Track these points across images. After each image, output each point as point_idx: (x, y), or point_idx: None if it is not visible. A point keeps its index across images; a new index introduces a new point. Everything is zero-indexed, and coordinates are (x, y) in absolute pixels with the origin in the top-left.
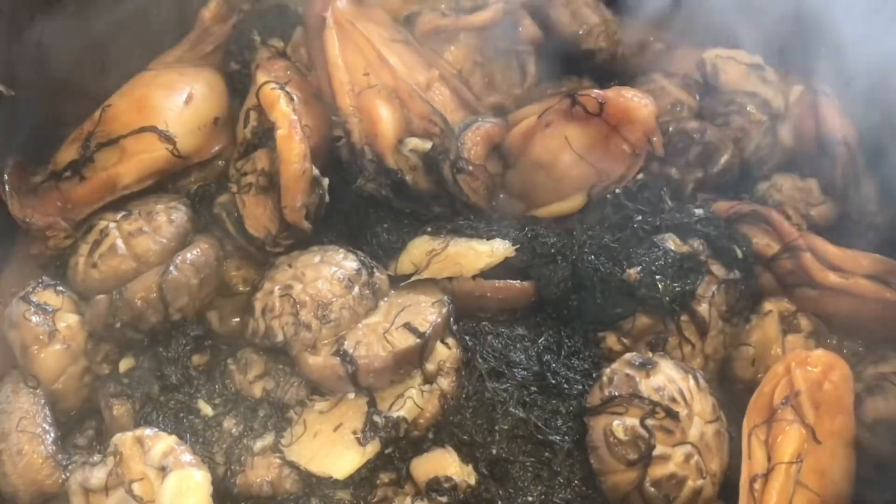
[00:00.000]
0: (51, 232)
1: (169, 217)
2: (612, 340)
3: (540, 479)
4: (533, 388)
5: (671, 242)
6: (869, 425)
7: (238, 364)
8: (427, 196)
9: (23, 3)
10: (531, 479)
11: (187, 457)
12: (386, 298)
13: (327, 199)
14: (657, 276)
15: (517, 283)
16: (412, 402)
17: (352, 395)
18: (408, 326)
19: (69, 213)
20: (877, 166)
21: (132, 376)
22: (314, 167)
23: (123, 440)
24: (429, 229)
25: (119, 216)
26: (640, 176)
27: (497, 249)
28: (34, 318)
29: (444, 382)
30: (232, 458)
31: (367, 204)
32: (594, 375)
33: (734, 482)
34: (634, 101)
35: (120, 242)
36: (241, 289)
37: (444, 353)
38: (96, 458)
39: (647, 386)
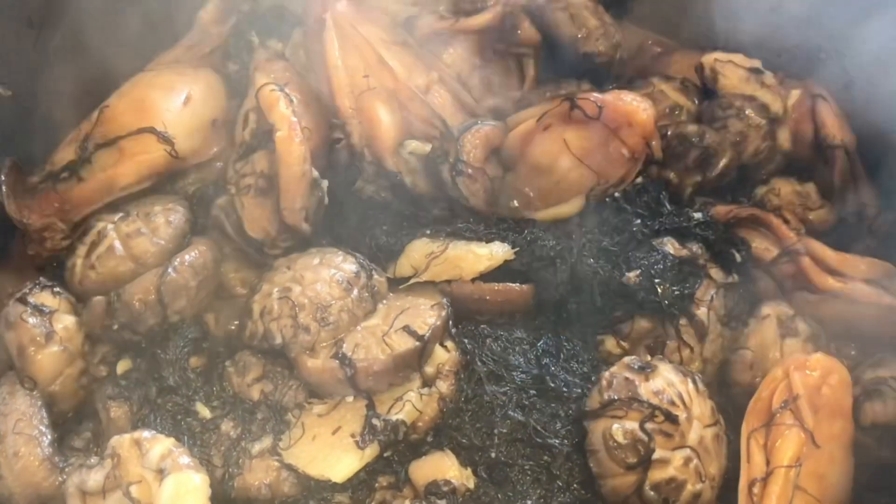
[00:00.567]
0: (48, 233)
1: (167, 218)
2: (611, 344)
3: (539, 483)
4: (532, 392)
5: (670, 246)
6: (867, 429)
7: (236, 366)
8: (426, 198)
9: (22, 3)
10: (530, 483)
11: (185, 459)
12: (385, 301)
13: (326, 201)
14: (656, 280)
15: (516, 286)
16: (411, 406)
17: (350, 398)
18: (407, 329)
19: (67, 215)
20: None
21: (130, 378)
22: (313, 169)
23: (121, 442)
24: (428, 232)
25: (117, 217)
26: (639, 179)
27: (496, 252)
28: (31, 320)
29: (443, 385)
30: (230, 461)
31: (367, 206)
32: (593, 379)
33: (733, 486)
34: (633, 105)
35: (118, 244)
36: (239, 291)
37: (443, 356)
38: (93, 460)
39: (646, 389)
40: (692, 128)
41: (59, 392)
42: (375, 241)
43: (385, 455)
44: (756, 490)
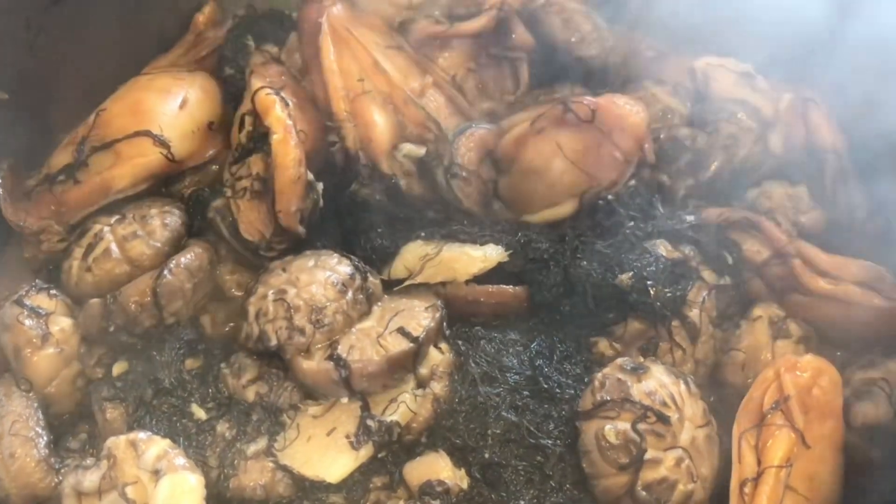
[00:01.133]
0: (45, 235)
1: (163, 221)
2: (603, 345)
3: (532, 483)
4: (525, 393)
5: (662, 248)
6: (857, 430)
7: (231, 368)
8: (421, 201)
9: (19, 6)
10: (523, 483)
11: (181, 460)
12: (379, 303)
13: (322, 203)
14: (648, 282)
15: (510, 288)
16: (405, 407)
17: (345, 400)
18: (401, 331)
19: (63, 217)
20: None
21: (125, 380)
22: (309, 172)
23: (117, 443)
24: (422, 234)
25: (113, 220)
26: (632, 182)
27: (490, 255)
28: (27, 322)
29: (438, 387)
30: (225, 462)
31: (362, 209)
32: (586, 380)
33: (725, 486)
34: (626, 109)
35: (114, 246)
36: (234, 293)
37: (438, 357)
38: (89, 461)
39: (638, 390)
40: (684, 131)
41: (55, 394)
42: (370, 244)
43: (379, 456)
44: (747, 490)
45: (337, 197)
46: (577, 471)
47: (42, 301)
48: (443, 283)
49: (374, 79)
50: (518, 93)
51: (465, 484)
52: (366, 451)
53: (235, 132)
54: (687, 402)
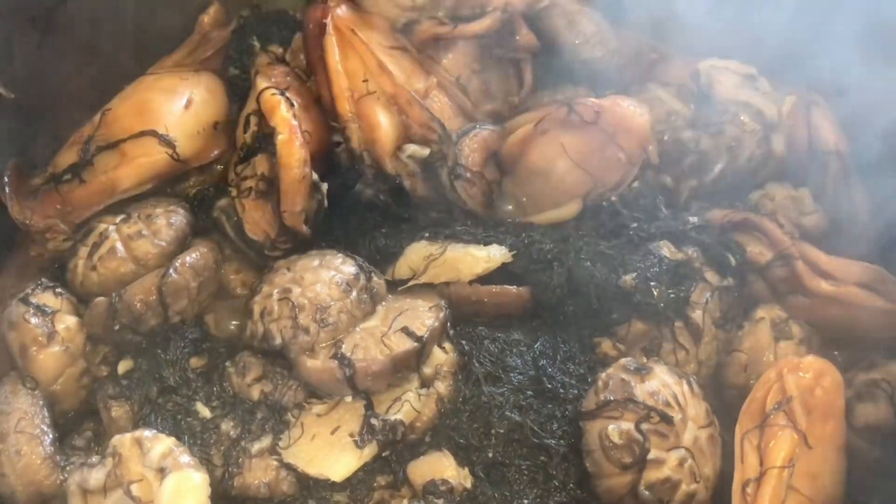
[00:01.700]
0: (50, 234)
1: (168, 220)
2: (607, 346)
3: (535, 483)
4: (529, 393)
5: (666, 250)
6: (859, 430)
7: (236, 367)
8: (425, 202)
9: (26, 6)
10: (527, 483)
11: (186, 458)
12: (384, 303)
13: (326, 203)
14: (652, 283)
15: (514, 288)
16: (409, 406)
17: (349, 399)
18: (405, 330)
19: (69, 216)
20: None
21: (131, 378)
22: (313, 172)
23: (122, 441)
24: (426, 234)
25: (118, 219)
26: (636, 184)
27: (494, 255)
28: (33, 320)
29: (441, 386)
30: (230, 460)
31: (366, 209)
32: (589, 380)
33: (727, 486)
34: (630, 110)
35: (119, 245)
36: (239, 292)
37: (441, 357)
38: (95, 459)
39: (641, 390)
40: (688, 133)
41: (60, 391)
42: (374, 244)
43: (383, 455)
44: (750, 490)
45: (341, 197)
46: (580, 470)
47: (48, 299)
48: (447, 284)
49: (379, 80)
50: (522, 94)
51: (468, 483)
52: (370, 450)
53: (240, 132)
54: (690, 403)
